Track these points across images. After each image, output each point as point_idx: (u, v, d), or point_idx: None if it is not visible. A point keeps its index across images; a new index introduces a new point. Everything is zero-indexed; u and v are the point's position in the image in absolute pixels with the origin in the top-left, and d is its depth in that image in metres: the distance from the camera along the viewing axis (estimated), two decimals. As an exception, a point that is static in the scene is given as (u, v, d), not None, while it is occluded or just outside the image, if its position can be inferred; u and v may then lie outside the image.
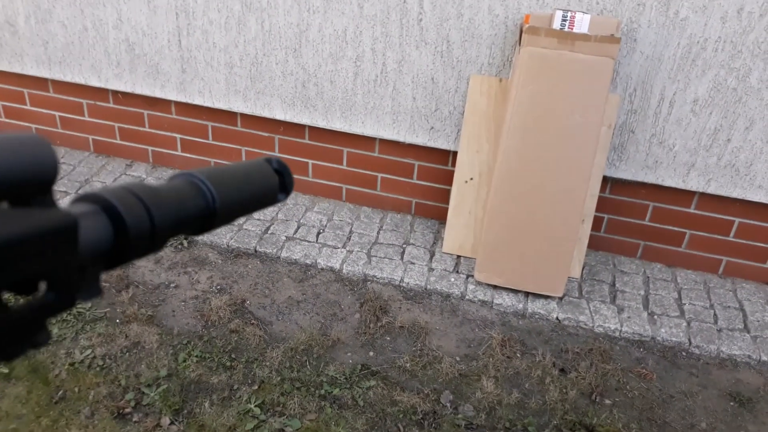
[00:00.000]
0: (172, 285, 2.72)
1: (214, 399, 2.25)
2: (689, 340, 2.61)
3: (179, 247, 2.91)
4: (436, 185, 3.13)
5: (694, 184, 2.80)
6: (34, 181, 0.38)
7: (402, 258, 2.93)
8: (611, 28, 2.46)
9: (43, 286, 0.39)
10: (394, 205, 3.25)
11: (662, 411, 2.34)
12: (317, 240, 3.00)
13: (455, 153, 2.97)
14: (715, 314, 2.76)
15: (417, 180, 3.15)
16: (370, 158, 3.14)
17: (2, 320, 0.36)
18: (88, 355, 2.37)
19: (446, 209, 3.04)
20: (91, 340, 2.43)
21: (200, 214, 0.52)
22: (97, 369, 2.32)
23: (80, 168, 3.38)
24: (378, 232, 3.09)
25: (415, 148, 3.05)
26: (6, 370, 2.28)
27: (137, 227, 0.44)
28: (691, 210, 2.91)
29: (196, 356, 2.40)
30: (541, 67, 2.46)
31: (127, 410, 2.19)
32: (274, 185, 0.60)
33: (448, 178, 3.06)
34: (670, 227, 2.97)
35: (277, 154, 3.24)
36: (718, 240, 2.94)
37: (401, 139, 3.01)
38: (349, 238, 3.03)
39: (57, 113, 3.45)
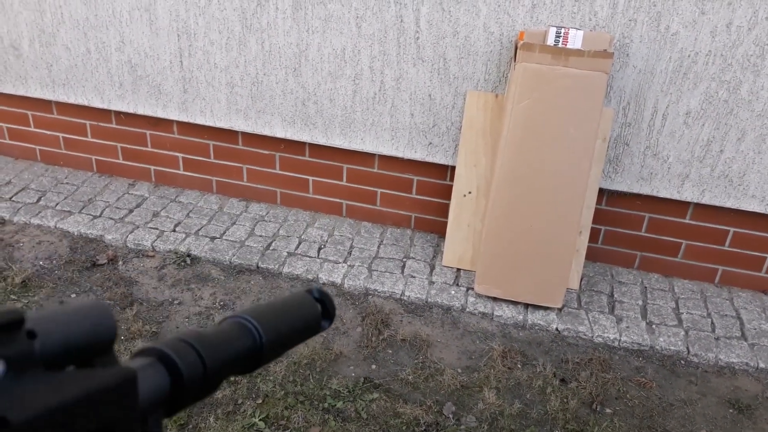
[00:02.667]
0: (176, 302, 2.76)
1: (218, 413, 2.27)
2: (687, 348, 2.64)
3: (182, 264, 2.95)
4: (435, 199, 3.18)
5: (688, 194, 2.85)
6: (96, 345, 0.42)
7: (402, 272, 2.96)
8: (604, 44, 2.52)
9: None
10: (394, 220, 3.29)
11: (662, 419, 2.37)
12: (318, 255, 3.04)
13: (453, 167, 3.02)
14: (712, 323, 2.80)
15: (416, 195, 3.19)
16: (370, 174, 3.19)
17: None
18: (93, 371, 2.39)
19: (445, 223, 3.08)
20: (97, 357, 2.45)
21: (249, 353, 0.55)
22: (103, 385, 2.35)
23: (83, 188, 3.42)
24: (378, 247, 3.13)
25: (413, 163, 3.10)
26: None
27: (191, 373, 0.48)
28: (687, 220, 2.95)
29: (201, 371, 2.42)
30: (535, 82, 2.51)
31: (133, 426, 2.21)
32: (317, 315, 0.63)
33: (447, 192, 3.10)
34: (667, 238, 3.01)
35: (278, 171, 3.30)
36: (714, 249, 2.98)
37: (400, 154, 3.06)
38: (349, 253, 3.07)
39: (60, 134, 3.50)
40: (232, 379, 2.39)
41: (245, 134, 3.24)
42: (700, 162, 2.78)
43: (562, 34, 2.54)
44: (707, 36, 2.55)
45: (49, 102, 3.42)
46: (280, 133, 3.14)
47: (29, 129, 3.54)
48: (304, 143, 3.19)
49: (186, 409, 0.49)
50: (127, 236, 3.06)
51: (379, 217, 3.30)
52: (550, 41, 2.54)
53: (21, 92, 3.38)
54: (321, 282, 2.89)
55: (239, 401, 2.32)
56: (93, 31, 3.11)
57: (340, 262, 3.00)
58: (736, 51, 2.55)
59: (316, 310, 0.63)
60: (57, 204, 3.27)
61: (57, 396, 0.37)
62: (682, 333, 2.72)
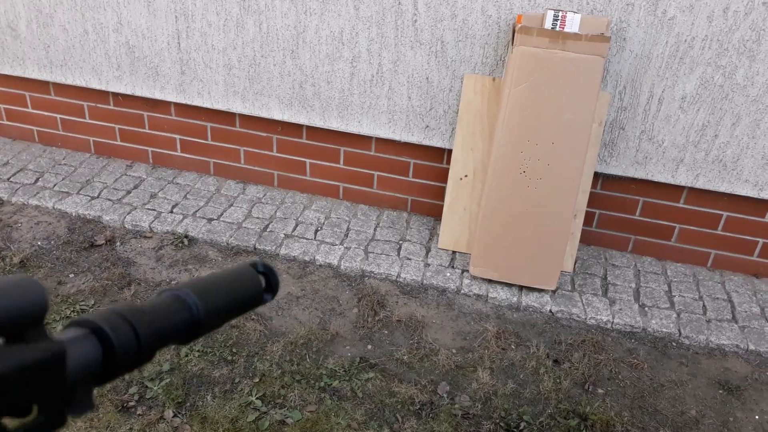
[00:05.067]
0: (173, 282, 2.78)
1: (216, 392, 2.30)
2: (679, 330, 2.68)
3: (179, 245, 2.97)
4: (432, 183, 3.19)
5: (682, 179, 2.87)
6: (26, 319, 0.43)
7: (398, 254, 2.99)
8: (601, 27, 2.52)
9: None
10: (391, 203, 3.31)
11: (653, 399, 2.41)
12: (315, 237, 3.06)
13: (450, 151, 3.04)
14: (704, 305, 2.83)
15: (413, 178, 3.21)
16: (367, 157, 3.20)
17: None
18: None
19: (441, 206, 3.10)
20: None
21: (186, 325, 0.56)
22: (102, 364, 2.38)
23: (81, 169, 3.43)
24: (375, 229, 3.15)
25: (410, 146, 3.11)
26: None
27: (124, 345, 0.49)
28: (681, 204, 2.98)
29: (198, 351, 2.46)
30: (533, 65, 2.52)
31: (131, 403, 2.24)
32: (258, 288, 0.64)
33: (443, 175, 3.12)
34: (660, 221, 3.03)
35: (275, 153, 3.31)
36: (707, 233, 3.01)
37: (397, 137, 3.07)
38: (346, 235, 3.09)
39: (58, 115, 3.51)
40: (229, 358, 2.42)
41: (243, 116, 3.25)
42: (694, 146, 2.80)
43: (559, 18, 2.54)
44: (704, 21, 2.56)
45: (46, 83, 3.42)
46: (277, 116, 3.15)
47: (27, 110, 3.54)
48: (301, 126, 3.20)
49: (118, 378, 0.52)
50: (125, 217, 3.08)
51: (375, 200, 3.32)
52: (548, 25, 2.54)
53: (18, 73, 3.37)
54: (318, 264, 2.92)
55: (236, 380, 2.35)
56: (90, 12, 3.10)
57: (336, 244, 3.02)
58: (732, 36, 2.56)
59: (259, 283, 0.64)
60: (55, 185, 3.28)
61: None
62: (674, 315, 2.76)
